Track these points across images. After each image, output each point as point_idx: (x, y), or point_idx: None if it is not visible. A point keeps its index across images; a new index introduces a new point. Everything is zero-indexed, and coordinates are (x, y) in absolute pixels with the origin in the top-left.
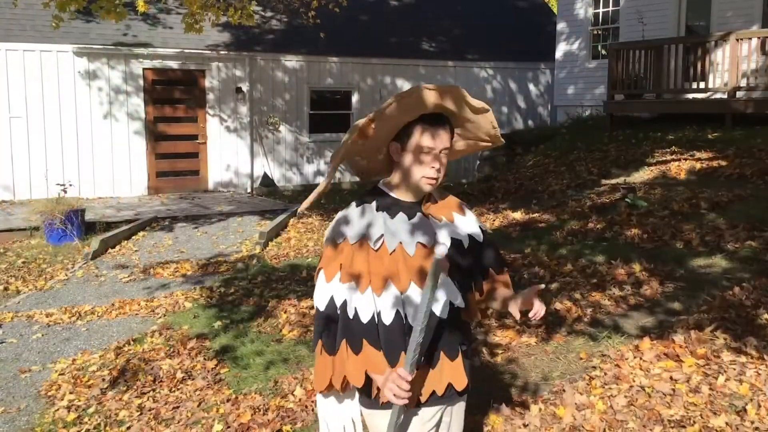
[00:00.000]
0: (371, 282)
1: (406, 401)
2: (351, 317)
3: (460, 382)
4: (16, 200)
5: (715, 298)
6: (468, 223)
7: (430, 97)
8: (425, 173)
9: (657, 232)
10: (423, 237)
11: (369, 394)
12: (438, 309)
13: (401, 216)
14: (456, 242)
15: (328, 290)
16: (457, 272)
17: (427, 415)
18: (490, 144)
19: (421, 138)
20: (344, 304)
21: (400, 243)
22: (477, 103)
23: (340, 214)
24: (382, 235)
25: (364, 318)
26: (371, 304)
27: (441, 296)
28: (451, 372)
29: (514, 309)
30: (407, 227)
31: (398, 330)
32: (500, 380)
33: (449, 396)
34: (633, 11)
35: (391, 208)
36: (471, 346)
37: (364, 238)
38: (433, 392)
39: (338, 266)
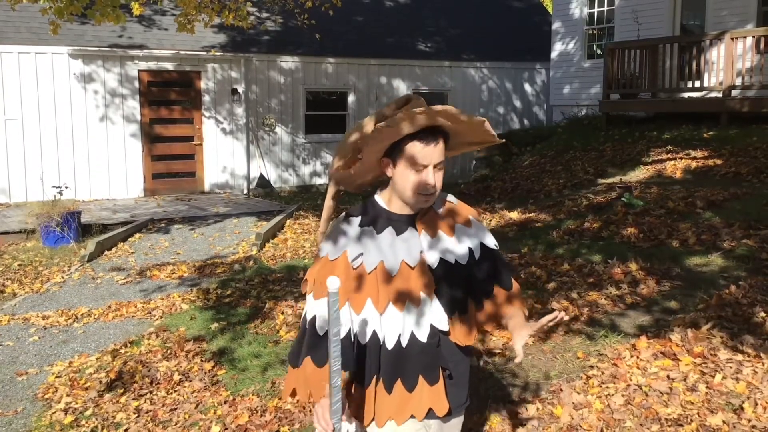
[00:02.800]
0: (350, 300)
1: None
2: (321, 334)
3: (441, 407)
4: (11, 203)
5: (711, 297)
6: (471, 237)
7: (419, 120)
8: (420, 190)
9: (653, 231)
10: (409, 255)
11: None
12: (419, 333)
13: (389, 231)
14: (447, 261)
15: (306, 304)
16: (447, 292)
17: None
18: (481, 147)
19: (413, 154)
20: (314, 319)
21: (382, 261)
22: (472, 120)
23: (331, 225)
24: (361, 254)
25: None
26: (347, 322)
27: (423, 320)
28: (430, 397)
29: (518, 343)
30: (393, 244)
31: (374, 351)
32: (498, 380)
33: (432, 416)
34: (628, 11)
35: (380, 222)
36: (466, 366)
37: (343, 255)
38: (412, 416)
39: (313, 281)
